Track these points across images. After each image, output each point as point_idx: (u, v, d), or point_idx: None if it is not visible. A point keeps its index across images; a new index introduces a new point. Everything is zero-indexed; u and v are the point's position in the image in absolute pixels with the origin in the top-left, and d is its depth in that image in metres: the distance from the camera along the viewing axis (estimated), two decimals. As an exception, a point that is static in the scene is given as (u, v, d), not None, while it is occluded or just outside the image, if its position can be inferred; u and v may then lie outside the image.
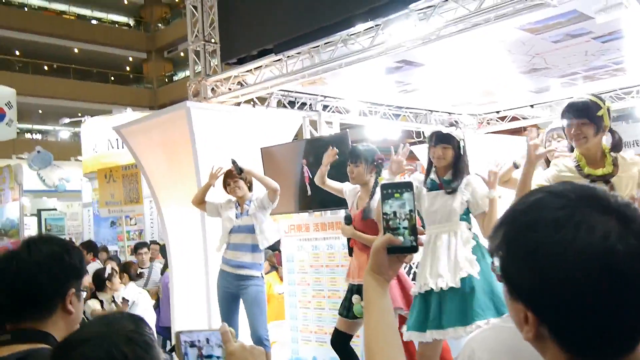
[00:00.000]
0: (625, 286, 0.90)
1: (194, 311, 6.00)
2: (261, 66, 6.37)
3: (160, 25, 32.01)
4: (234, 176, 5.14)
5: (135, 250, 9.19)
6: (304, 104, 7.44)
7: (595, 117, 3.24)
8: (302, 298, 6.17)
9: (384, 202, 1.31)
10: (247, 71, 6.53)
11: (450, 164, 3.81)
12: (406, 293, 4.23)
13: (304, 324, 6.17)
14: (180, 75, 31.04)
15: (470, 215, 3.86)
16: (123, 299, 5.98)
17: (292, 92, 7.22)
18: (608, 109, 3.33)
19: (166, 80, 31.98)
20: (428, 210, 3.85)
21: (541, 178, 3.45)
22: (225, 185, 5.20)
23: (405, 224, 1.29)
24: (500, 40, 5.91)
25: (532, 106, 9.17)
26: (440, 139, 3.80)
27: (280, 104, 7.23)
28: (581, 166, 3.34)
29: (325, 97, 7.60)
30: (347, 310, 4.41)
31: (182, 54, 30.25)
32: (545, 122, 9.83)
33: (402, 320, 3.99)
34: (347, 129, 6.37)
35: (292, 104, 7.34)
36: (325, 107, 7.66)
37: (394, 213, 1.29)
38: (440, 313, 3.69)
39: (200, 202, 5.32)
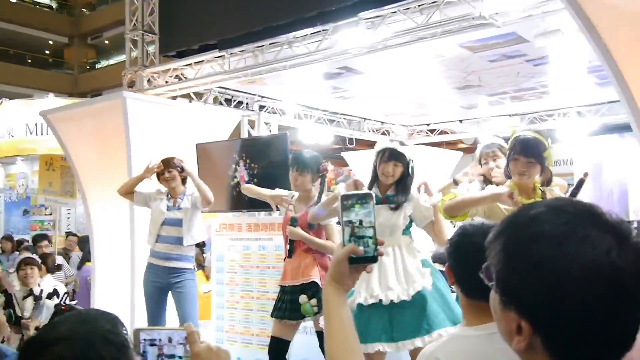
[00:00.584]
0: (627, 301, 0.95)
1: (117, 307, 5.81)
2: (202, 61, 6.26)
3: (85, 10, 30.86)
4: (170, 166, 5.04)
5: (34, 242, 8.70)
6: (240, 102, 7.38)
7: (541, 157, 3.40)
8: (230, 298, 6.10)
9: (346, 210, 1.31)
10: (187, 65, 6.41)
11: (396, 181, 3.88)
12: None
13: (230, 324, 6.09)
14: (104, 63, 30.02)
15: (411, 229, 3.95)
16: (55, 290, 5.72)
17: (230, 89, 7.14)
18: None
19: (88, 67, 30.86)
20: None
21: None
22: (160, 174, 5.08)
23: (370, 232, 1.30)
24: (439, 55, 6.08)
25: (461, 121, 9.45)
26: (393, 156, 3.81)
27: (216, 100, 7.13)
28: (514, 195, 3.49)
29: (262, 97, 7.56)
30: (284, 311, 4.31)
31: (106, 41, 29.28)
32: (470, 137, 10.20)
33: None
34: (286, 132, 6.36)
35: (228, 101, 7.27)
36: (261, 107, 7.62)
37: (360, 222, 1.30)
38: (390, 326, 3.67)
39: (128, 192, 5.18)
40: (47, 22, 29.24)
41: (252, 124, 7.35)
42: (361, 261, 1.30)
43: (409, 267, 3.74)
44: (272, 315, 4.46)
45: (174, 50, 6.62)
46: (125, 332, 1.37)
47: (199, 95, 7.01)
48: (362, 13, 5.02)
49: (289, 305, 4.30)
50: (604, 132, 8.79)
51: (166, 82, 6.54)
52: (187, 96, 6.92)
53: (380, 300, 3.68)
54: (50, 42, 30.30)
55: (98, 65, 30.70)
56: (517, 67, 6.53)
